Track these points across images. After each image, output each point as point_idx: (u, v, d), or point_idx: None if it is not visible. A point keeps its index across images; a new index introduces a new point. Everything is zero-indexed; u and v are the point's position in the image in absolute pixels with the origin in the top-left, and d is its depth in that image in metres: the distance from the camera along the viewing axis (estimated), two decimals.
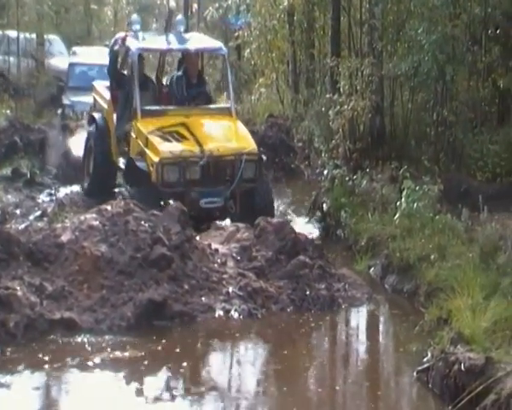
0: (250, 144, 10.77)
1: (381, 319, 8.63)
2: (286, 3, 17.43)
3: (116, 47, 11.73)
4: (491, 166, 11.90)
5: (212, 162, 10.30)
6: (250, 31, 18.75)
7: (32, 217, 10.88)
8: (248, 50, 19.85)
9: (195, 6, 32.24)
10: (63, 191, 12.42)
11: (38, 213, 11.09)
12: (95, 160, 12.00)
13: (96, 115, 12.27)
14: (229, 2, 21.06)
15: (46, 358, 7.19)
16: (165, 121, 10.87)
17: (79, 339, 7.60)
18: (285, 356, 7.53)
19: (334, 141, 13.25)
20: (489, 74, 13.19)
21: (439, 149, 12.76)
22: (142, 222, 8.87)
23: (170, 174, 10.19)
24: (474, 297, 7.21)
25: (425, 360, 7.02)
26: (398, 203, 10.21)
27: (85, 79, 20.50)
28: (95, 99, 12.94)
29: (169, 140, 10.51)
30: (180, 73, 11.66)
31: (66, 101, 19.26)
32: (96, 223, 8.77)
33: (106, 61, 12.53)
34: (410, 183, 10.24)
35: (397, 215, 10.11)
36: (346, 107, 13.04)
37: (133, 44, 11.38)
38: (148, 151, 10.44)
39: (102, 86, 12.70)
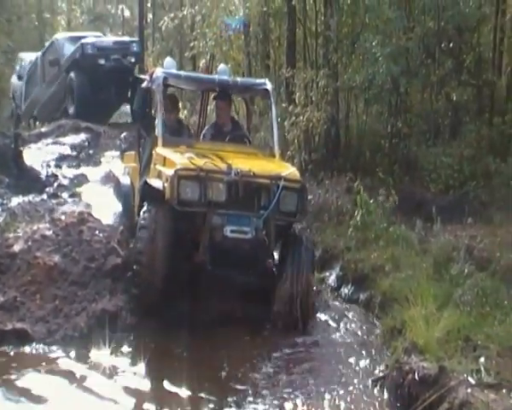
0: (292, 170, 8.91)
1: (336, 327, 8.65)
2: (242, 14, 17.47)
3: (144, 84, 9.81)
4: (444, 178, 12.04)
5: (241, 183, 8.32)
6: (205, 41, 18.75)
7: None
8: (203, 61, 19.82)
9: (150, 16, 32.17)
10: (15, 201, 12.25)
11: None
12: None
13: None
14: (185, 13, 21.08)
15: None
16: (191, 150, 8.97)
17: (31, 350, 7.50)
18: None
19: (289, 152, 13.31)
20: (442, 87, 13.37)
21: (393, 160, 12.89)
22: (97, 232, 8.82)
23: (188, 190, 8.22)
24: (427, 308, 7.27)
25: (379, 369, 7.06)
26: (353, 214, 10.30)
27: None
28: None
29: (191, 157, 8.61)
30: (209, 125, 10.27)
31: None
32: (49, 233, 8.70)
33: None
34: (365, 194, 10.33)
35: (351, 226, 10.19)
36: (301, 118, 13.13)
37: (159, 70, 9.75)
38: (164, 169, 8.59)
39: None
